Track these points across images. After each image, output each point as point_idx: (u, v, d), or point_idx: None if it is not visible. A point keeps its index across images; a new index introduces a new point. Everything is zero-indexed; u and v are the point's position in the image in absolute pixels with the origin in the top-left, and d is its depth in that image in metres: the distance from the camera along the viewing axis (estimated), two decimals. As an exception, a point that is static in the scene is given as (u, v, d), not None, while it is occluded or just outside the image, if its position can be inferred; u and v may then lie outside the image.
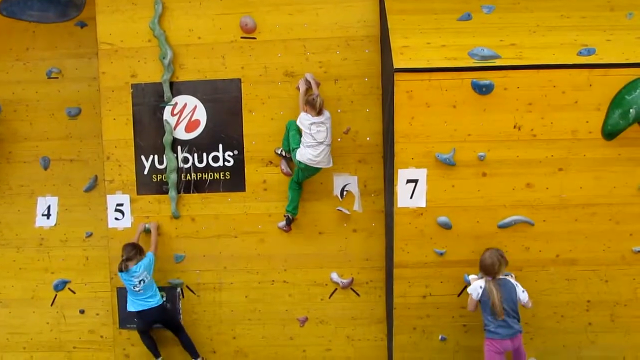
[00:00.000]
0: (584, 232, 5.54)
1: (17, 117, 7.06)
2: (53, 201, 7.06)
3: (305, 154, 5.84)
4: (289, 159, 6.24)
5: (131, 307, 6.17)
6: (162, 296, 6.27)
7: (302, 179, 6.11)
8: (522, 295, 5.32)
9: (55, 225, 7.03)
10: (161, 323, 6.29)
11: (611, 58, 5.23)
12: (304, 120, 5.84)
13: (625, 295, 5.73)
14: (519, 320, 5.31)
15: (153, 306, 6.11)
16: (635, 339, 5.87)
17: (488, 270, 5.26)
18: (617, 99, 5.20)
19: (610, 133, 5.29)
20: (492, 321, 5.26)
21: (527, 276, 5.65)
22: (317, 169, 5.99)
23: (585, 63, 5.21)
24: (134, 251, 6.09)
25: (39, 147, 7.06)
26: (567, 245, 5.60)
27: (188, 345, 6.32)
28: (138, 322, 6.26)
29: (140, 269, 6.01)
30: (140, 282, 6.02)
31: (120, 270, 6.05)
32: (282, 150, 6.23)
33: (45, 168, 7.08)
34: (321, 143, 5.82)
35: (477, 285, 5.32)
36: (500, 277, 5.28)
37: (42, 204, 7.07)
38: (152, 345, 6.34)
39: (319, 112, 5.81)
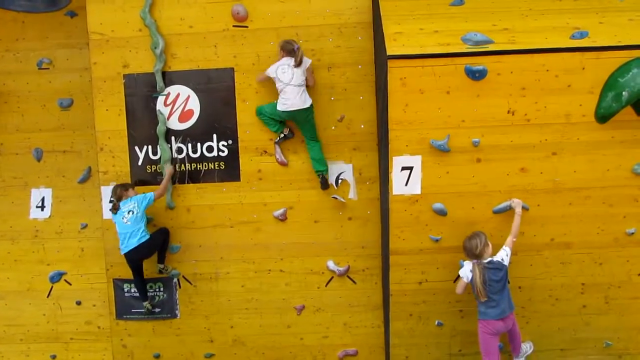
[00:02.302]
0: (578, 215, 5.57)
1: (9, 109, 7.01)
2: (47, 193, 7.03)
3: (280, 101, 5.90)
4: (283, 146, 6.23)
5: (122, 249, 6.10)
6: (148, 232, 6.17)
7: (304, 133, 6.08)
8: (507, 258, 5.32)
9: (49, 217, 7.01)
10: (150, 256, 6.24)
11: (604, 41, 5.22)
12: (272, 67, 5.90)
13: (619, 277, 5.78)
14: (509, 298, 5.35)
15: (136, 245, 6.02)
16: (630, 321, 5.93)
17: (470, 252, 5.31)
18: (610, 82, 5.20)
19: (603, 116, 5.29)
20: (481, 302, 5.31)
21: (522, 260, 5.68)
22: (300, 114, 5.92)
23: (578, 46, 5.20)
24: (120, 188, 6.08)
25: (31, 138, 7.02)
26: (562, 229, 5.62)
27: (161, 251, 6.32)
28: (128, 262, 6.17)
29: (130, 201, 6.01)
30: (128, 213, 5.98)
31: (113, 211, 6.05)
32: (279, 137, 6.20)
33: (38, 159, 7.04)
34: (288, 84, 5.82)
35: (467, 269, 5.36)
36: (488, 259, 5.31)
37: (35, 195, 7.04)
38: (142, 288, 6.34)
39: (289, 54, 5.86)
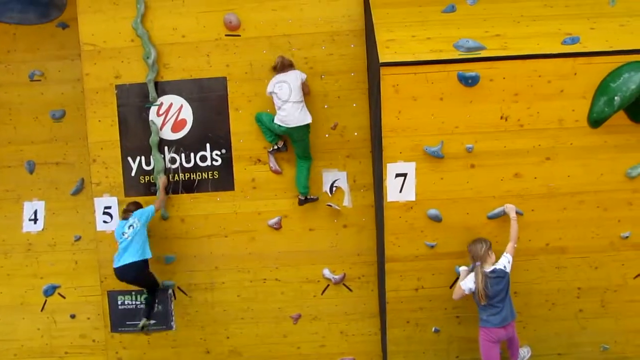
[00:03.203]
0: (573, 220, 5.58)
1: (0, 121, 6.97)
2: (40, 205, 6.98)
3: (277, 116, 5.88)
4: (276, 155, 6.22)
5: (114, 262, 5.92)
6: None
7: (297, 150, 6.06)
8: (508, 265, 5.32)
9: (42, 229, 6.95)
10: (136, 283, 6.06)
11: (595, 46, 5.25)
12: (269, 86, 5.91)
13: (614, 281, 5.79)
14: (511, 306, 5.35)
15: (129, 262, 5.83)
16: (626, 324, 5.94)
17: (475, 253, 5.32)
18: (602, 87, 5.23)
19: (596, 121, 5.32)
20: (483, 310, 5.30)
21: (518, 265, 5.67)
22: (298, 130, 5.88)
23: (569, 52, 5.23)
24: (134, 206, 6.09)
25: (23, 150, 6.98)
26: (557, 234, 5.63)
27: (148, 304, 6.21)
28: (117, 278, 5.98)
29: (135, 214, 5.96)
30: (129, 228, 5.90)
31: (122, 219, 6.05)
32: (272, 148, 6.19)
33: (31, 172, 6.99)
34: (286, 101, 5.81)
35: (470, 280, 5.34)
36: (491, 267, 5.30)
37: (28, 208, 6.99)
38: (149, 303, 6.23)
39: (281, 70, 5.89)
